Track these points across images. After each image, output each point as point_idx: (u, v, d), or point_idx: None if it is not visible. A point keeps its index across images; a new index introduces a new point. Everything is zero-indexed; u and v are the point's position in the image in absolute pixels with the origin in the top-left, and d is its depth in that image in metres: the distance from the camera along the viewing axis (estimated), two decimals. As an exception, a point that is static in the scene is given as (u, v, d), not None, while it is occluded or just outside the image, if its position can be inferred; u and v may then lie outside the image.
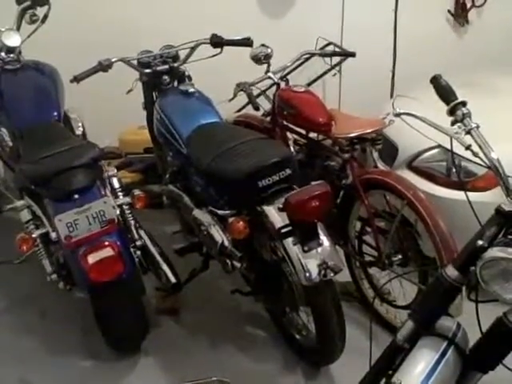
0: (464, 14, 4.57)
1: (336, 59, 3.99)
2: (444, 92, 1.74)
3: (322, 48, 3.99)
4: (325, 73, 4.14)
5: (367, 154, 3.00)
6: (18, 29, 3.13)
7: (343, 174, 2.77)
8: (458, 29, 4.65)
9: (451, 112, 1.70)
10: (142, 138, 3.69)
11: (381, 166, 3.21)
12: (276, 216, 2.16)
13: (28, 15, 3.14)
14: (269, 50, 3.05)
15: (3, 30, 3.04)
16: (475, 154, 1.67)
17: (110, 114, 3.93)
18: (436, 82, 1.77)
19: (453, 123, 1.71)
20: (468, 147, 1.68)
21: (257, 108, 3.00)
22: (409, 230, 2.53)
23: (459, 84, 3.35)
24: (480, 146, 1.65)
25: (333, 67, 4.00)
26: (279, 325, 2.61)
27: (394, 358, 1.61)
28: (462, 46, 4.60)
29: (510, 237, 1.48)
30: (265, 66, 3.10)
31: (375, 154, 3.23)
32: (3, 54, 3.08)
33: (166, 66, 2.95)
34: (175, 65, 2.97)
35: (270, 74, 3.07)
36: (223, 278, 2.83)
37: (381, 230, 2.65)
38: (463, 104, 1.70)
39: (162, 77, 2.96)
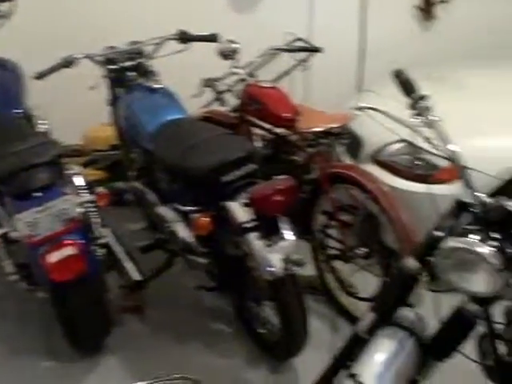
0: (431, 9, 4.61)
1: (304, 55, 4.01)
2: (405, 86, 1.75)
3: (289, 44, 3.98)
4: (291, 68, 4.13)
5: (333, 149, 3.02)
6: (-20, 24, 3.07)
7: (308, 169, 2.79)
8: (425, 24, 4.69)
9: (412, 105, 1.72)
10: (107, 135, 3.66)
11: (347, 160, 3.24)
12: (240, 211, 2.15)
13: (-8, 11, 3.09)
14: (235, 46, 3.04)
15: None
16: (436, 147, 1.69)
17: (75, 110, 3.88)
18: (398, 76, 1.77)
19: (414, 116, 1.72)
20: (428, 140, 1.70)
21: (222, 103, 2.99)
22: (372, 223, 2.55)
23: (425, 78, 3.43)
24: (440, 139, 1.67)
25: (299, 63, 4.01)
26: (243, 320, 2.61)
27: (354, 350, 1.63)
28: (430, 41, 4.62)
29: (467, 227, 1.50)
30: (233, 61, 3.10)
31: (341, 149, 3.26)
32: (-37, 49, 3.03)
33: (132, 62, 2.92)
34: (141, 61, 2.95)
35: (234, 69, 3.06)
36: (188, 274, 2.82)
37: (345, 223, 2.66)
38: (424, 98, 1.71)
39: (127, 73, 2.93)
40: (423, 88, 1.80)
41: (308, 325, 2.31)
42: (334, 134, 2.73)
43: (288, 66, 4.17)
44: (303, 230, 2.78)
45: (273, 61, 4.05)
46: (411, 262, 1.58)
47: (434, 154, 2.50)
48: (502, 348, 1.78)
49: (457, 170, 1.66)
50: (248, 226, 2.10)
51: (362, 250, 2.60)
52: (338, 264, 2.77)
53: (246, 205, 2.12)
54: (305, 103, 4.17)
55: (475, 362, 1.76)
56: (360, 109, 1.89)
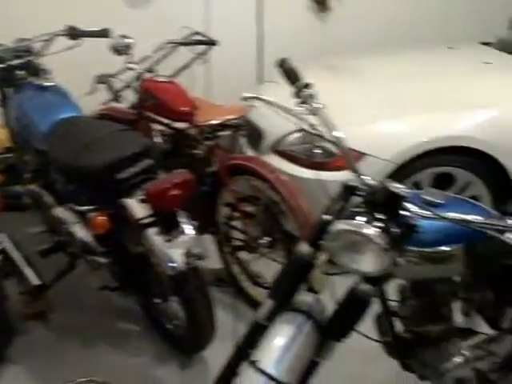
0: (325, 1, 4.71)
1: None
2: (289, 74, 1.77)
3: (186, 37, 3.96)
4: (190, 62, 4.11)
5: (235, 141, 3.04)
6: None
7: (208, 162, 2.79)
8: (321, 15, 4.79)
9: (297, 94, 1.74)
10: (0, 138, 3.52)
11: (249, 151, 3.26)
12: (137, 207, 2.13)
13: None
14: (127, 41, 2.99)
15: None
16: (320, 134, 1.73)
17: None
18: (281, 65, 1.79)
19: (299, 105, 1.75)
20: (313, 127, 1.74)
21: (117, 100, 2.94)
22: (274, 212, 2.59)
23: (321, 67, 3.51)
24: (325, 126, 1.70)
25: (198, 56, 3.99)
26: (151, 317, 2.59)
27: (255, 337, 1.64)
28: (325, 32, 4.73)
29: (354, 210, 1.55)
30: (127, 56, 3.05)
31: (242, 140, 3.29)
32: None
33: (20, 60, 2.82)
34: (30, 59, 2.85)
35: (128, 65, 3.02)
36: (93, 275, 2.76)
37: (247, 214, 2.69)
38: (308, 86, 1.74)
39: (16, 72, 2.82)
40: (319, 77, 1.82)
41: (215, 317, 2.32)
42: (232, 125, 2.75)
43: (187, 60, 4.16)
44: (208, 223, 2.79)
45: (173, 55, 4.04)
46: (304, 247, 1.61)
47: (327, 141, 2.56)
48: (398, 325, 1.86)
49: (343, 156, 1.70)
50: (146, 222, 2.08)
51: (266, 240, 2.64)
52: (244, 255, 2.80)
53: (143, 201, 2.09)
54: (206, 97, 4.19)
55: (372, 339, 1.84)
56: (245, 99, 1.90)
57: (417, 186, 2.93)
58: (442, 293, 1.80)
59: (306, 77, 1.78)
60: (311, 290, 1.72)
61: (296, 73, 1.75)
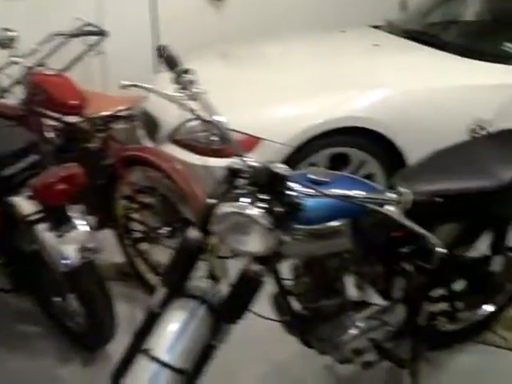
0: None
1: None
2: (169, 61, 1.76)
3: (78, 29, 3.85)
4: (82, 54, 4.01)
5: (132, 132, 3.00)
6: None
7: (103, 155, 2.73)
8: (215, 3, 4.78)
9: (176, 80, 1.73)
10: None
11: (147, 142, 3.23)
12: (24, 204, 2.06)
13: None
14: (10, 34, 2.87)
15: None
16: (201, 119, 1.73)
17: None
18: (161, 51, 1.79)
19: (178, 90, 1.74)
20: (193, 112, 1.74)
21: (2, 96, 2.83)
22: (171, 201, 2.57)
23: (211, 54, 3.50)
24: (206, 111, 1.70)
25: (90, 48, 3.90)
26: (51, 316, 2.52)
27: (151, 326, 1.63)
28: (221, 20, 4.74)
29: (239, 192, 1.56)
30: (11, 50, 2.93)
31: (141, 132, 3.25)
32: None
33: None
34: None
35: (12, 59, 2.90)
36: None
37: (145, 205, 2.66)
38: (188, 71, 1.73)
39: None
40: (213, 64, 1.80)
41: (115, 311, 2.28)
42: (125, 117, 2.70)
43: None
44: (106, 217, 2.74)
45: (68, 48, 3.92)
46: (192, 233, 1.61)
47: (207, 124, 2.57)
48: (294, 302, 1.90)
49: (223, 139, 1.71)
50: (35, 218, 2.02)
51: (166, 229, 2.62)
52: (145, 246, 2.77)
53: (31, 197, 2.03)
54: (104, 89, 4.10)
55: (269, 319, 1.87)
56: (124, 87, 1.87)
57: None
58: (334, 268, 1.85)
59: (200, 64, 1.78)
60: (213, 277, 1.72)
61: (175, 59, 1.74)
